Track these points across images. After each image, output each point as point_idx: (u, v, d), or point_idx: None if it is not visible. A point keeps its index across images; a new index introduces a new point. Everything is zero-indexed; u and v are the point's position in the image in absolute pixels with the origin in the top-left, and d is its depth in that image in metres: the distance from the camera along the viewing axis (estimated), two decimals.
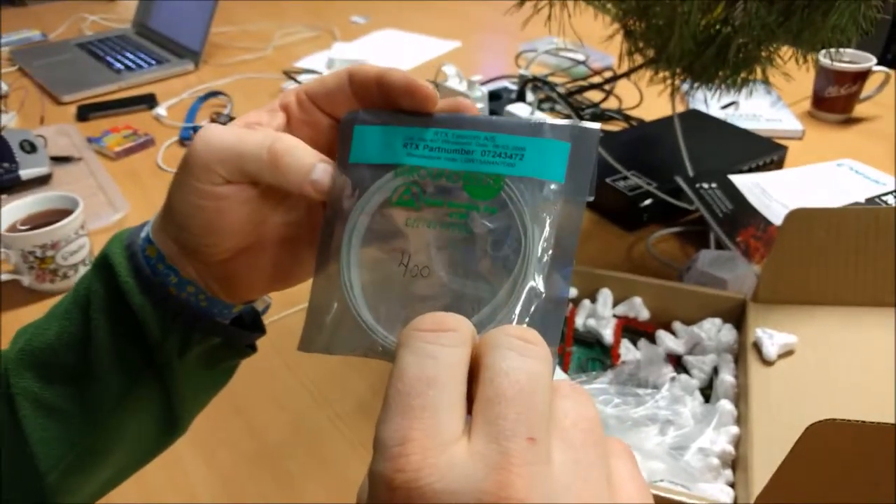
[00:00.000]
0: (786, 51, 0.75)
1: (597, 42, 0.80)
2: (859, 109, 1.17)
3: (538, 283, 0.28)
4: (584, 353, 0.62)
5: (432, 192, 0.30)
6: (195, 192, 0.32)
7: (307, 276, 0.38)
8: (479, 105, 0.89)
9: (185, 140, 1.12)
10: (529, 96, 1.11)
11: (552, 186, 0.29)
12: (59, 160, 1.04)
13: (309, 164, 0.31)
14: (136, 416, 0.37)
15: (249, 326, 0.40)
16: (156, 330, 0.35)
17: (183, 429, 0.40)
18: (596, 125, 0.30)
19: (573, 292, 0.65)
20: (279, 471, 0.58)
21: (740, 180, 0.88)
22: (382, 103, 0.32)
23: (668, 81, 0.80)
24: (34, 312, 0.75)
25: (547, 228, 0.28)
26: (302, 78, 1.32)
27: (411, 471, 0.19)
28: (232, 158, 0.32)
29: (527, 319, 0.27)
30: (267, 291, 0.39)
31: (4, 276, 0.75)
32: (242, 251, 0.35)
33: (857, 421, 0.36)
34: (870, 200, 0.89)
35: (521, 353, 0.21)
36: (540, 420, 0.20)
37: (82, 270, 0.78)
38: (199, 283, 0.35)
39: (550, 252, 0.28)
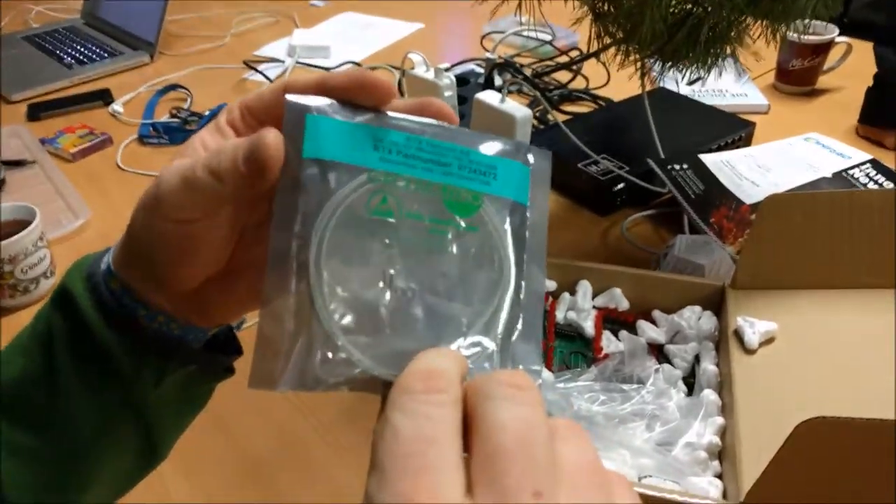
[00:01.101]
0: (755, 29, 0.75)
1: (565, 22, 0.79)
2: (823, 81, 1.18)
3: (517, 308, 0.28)
4: (567, 347, 0.62)
5: (410, 204, 0.28)
6: (167, 231, 0.31)
7: None
8: (448, 93, 0.88)
9: (144, 138, 1.08)
10: (497, 80, 1.10)
11: (521, 209, 0.29)
12: (11, 164, 1.00)
13: (230, 154, 0.28)
14: (113, 450, 0.36)
15: (223, 345, 0.38)
16: (126, 364, 0.33)
17: (163, 455, 0.39)
18: (548, 152, 0.30)
19: (552, 285, 0.65)
20: (265, 482, 0.57)
21: (711, 160, 0.88)
22: None
23: (638, 64, 0.79)
24: None
25: (517, 250, 0.28)
26: (262, 67, 1.28)
27: None
28: (189, 195, 0.30)
29: (510, 344, 0.27)
30: (243, 314, 0.38)
31: None
32: (215, 277, 0.34)
33: (846, 418, 0.36)
34: (837, 175, 0.90)
35: (515, 401, 0.21)
36: (543, 472, 0.19)
37: (44, 283, 0.76)
38: (170, 312, 0.34)
39: (524, 275, 0.28)
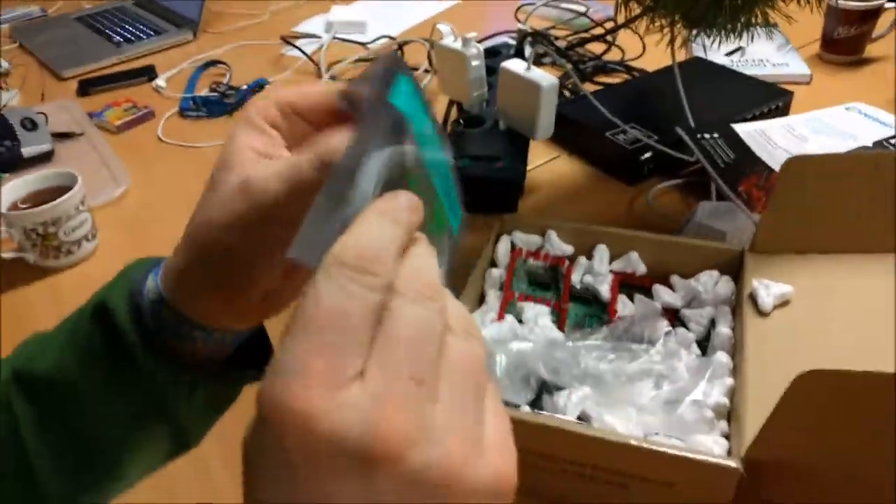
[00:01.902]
0: None
1: None
2: (871, 49, 1.13)
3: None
4: (582, 310, 0.62)
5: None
6: (269, 235, 0.30)
7: None
8: (475, 62, 0.88)
9: (184, 111, 1.12)
10: (527, 50, 1.09)
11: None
12: (60, 136, 1.05)
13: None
14: (142, 444, 0.37)
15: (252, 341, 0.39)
16: (161, 379, 0.34)
17: (193, 446, 0.39)
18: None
19: (569, 249, 0.65)
20: None
21: (744, 129, 0.86)
22: None
23: (666, 30, 0.78)
24: (40, 289, 0.77)
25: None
26: (299, 43, 1.30)
27: (311, 400, 0.19)
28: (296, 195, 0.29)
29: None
30: (292, 303, 0.37)
31: (9, 255, 0.76)
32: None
33: (845, 370, 0.36)
34: (878, 144, 0.86)
35: (420, 303, 0.22)
36: (429, 364, 0.21)
37: (86, 246, 0.79)
38: (228, 326, 0.34)
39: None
